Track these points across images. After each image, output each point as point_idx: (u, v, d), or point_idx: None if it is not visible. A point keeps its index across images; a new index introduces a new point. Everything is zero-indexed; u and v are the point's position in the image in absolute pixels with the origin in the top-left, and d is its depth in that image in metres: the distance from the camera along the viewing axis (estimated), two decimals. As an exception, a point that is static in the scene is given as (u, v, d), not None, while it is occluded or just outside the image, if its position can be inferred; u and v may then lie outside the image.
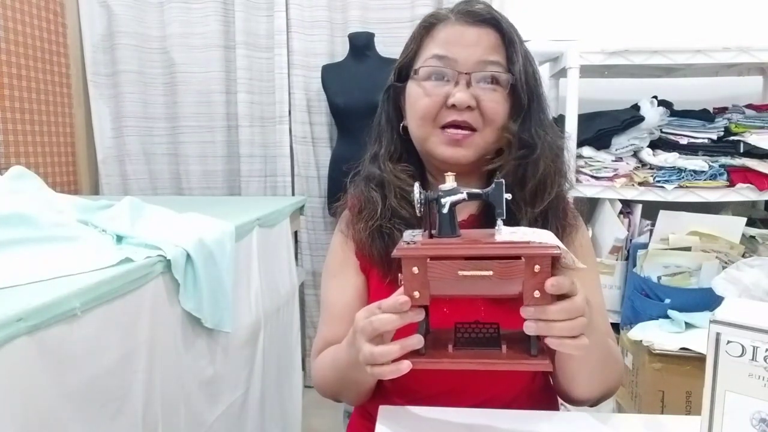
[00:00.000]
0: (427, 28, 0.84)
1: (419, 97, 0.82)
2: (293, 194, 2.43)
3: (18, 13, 2.07)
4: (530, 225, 0.81)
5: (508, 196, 0.64)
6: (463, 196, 0.65)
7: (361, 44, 2.25)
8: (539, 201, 0.82)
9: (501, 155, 0.83)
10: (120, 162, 2.49)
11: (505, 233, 0.64)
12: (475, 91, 0.79)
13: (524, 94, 0.81)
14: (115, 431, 0.89)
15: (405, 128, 0.88)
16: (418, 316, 0.63)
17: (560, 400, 0.89)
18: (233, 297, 1.26)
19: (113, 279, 0.87)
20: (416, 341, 0.62)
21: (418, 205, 0.65)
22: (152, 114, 2.46)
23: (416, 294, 0.61)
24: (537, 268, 0.59)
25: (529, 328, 0.60)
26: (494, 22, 0.81)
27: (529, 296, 0.60)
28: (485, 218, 0.86)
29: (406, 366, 0.62)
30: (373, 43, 2.26)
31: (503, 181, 0.65)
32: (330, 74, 2.28)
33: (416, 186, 0.65)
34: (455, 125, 0.80)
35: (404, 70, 0.86)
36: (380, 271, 0.86)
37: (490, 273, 0.59)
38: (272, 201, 2.06)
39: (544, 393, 0.89)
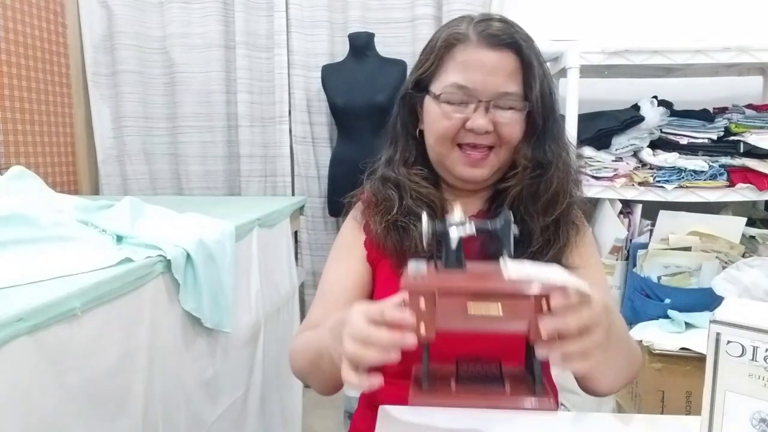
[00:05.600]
0: (447, 47, 0.84)
1: (438, 118, 0.84)
2: (293, 194, 2.43)
3: (18, 13, 2.07)
4: (542, 232, 0.85)
5: (515, 231, 0.64)
6: (472, 231, 0.64)
7: (361, 44, 2.25)
8: (551, 211, 0.85)
9: (515, 171, 0.86)
10: (120, 162, 2.49)
11: (511, 269, 0.63)
12: (493, 116, 0.82)
13: (540, 117, 0.84)
14: (115, 431, 0.89)
15: (421, 132, 0.90)
16: (412, 343, 0.59)
17: (561, 400, 0.89)
18: (233, 297, 1.26)
19: (113, 279, 0.87)
20: (395, 357, 0.59)
21: (426, 237, 0.63)
22: (152, 114, 2.46)
23: (422, 330, 0.59)
24: (545, 307, 0.58)
25: (543, 353, 0.58)
26: (515, 47, 0.82)
27: (537, 335, 0.58)
28: (493, 213, 0.87)
29: (377, 383, 0.59)
30: (373, 43, 2.26)
31: (511, 216, 0.64)
32: (330, 74, 2.28)
33: (424, 217, 0.64)
34: (473, 145, 0.84)
35: (423, 82, 0.87)
36: (393, 262, 0.87)
37: (499, 313, 0.58)
38: (272, 201, 2.06)
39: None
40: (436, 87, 0.85)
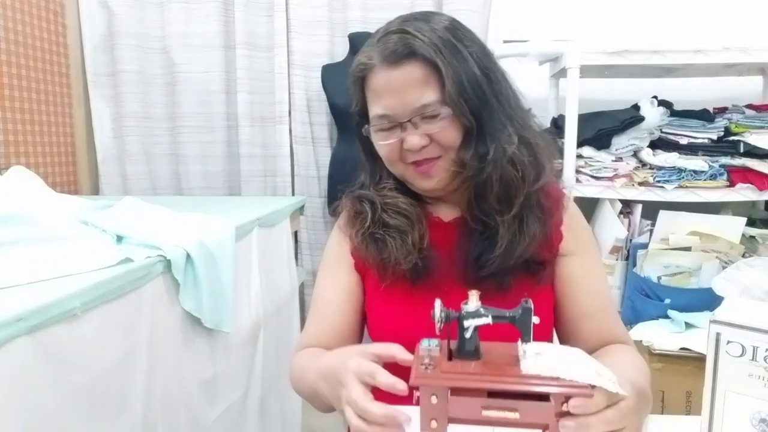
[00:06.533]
0: (361, 79, 0.86)
1: (379, 147, 0.87)
2: (293, 194, 2.43)
3: (18, 13, 2.07)
4: (509, 227, 0.83)
5: (535, 320, 0.61)
6: (488, 320, 0.61)
7: (361, 44, 2.25)
8: (509, 205, 0.83)
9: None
10: (120, 162, 2.48)
11: (530, 356, 0.59)
12: (423, 129, 0.82)
13: (466, 116, 0.81)
14: (114, 431, 0.89)
15: None
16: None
17: None
18: (233, 297, 1.26)
19: (113, 279, 0.88)
20: None
21: (439, 324, 0.62)
22: (152, 114, 2.46)
23: (434, 424, 0.57)
24: (566, 407, 0.55)
25: None
26: (414, 55, 0.80)
27: None
28: (470, 220, 0.87)
29: None
30: (373, 43, 2.26)
31: (531, 305, 0.61)
32: (330, 74, 2.27)
33: (437, 303, 0.62)
34: (420, 160, 0.84)
35: (361, 112, 0.89)
36: (376, 273, 0.89)
37: (516, 416, 0.56)
38: (272, 201, 2.06)
39: None
40: (370, 117, 0.86)
